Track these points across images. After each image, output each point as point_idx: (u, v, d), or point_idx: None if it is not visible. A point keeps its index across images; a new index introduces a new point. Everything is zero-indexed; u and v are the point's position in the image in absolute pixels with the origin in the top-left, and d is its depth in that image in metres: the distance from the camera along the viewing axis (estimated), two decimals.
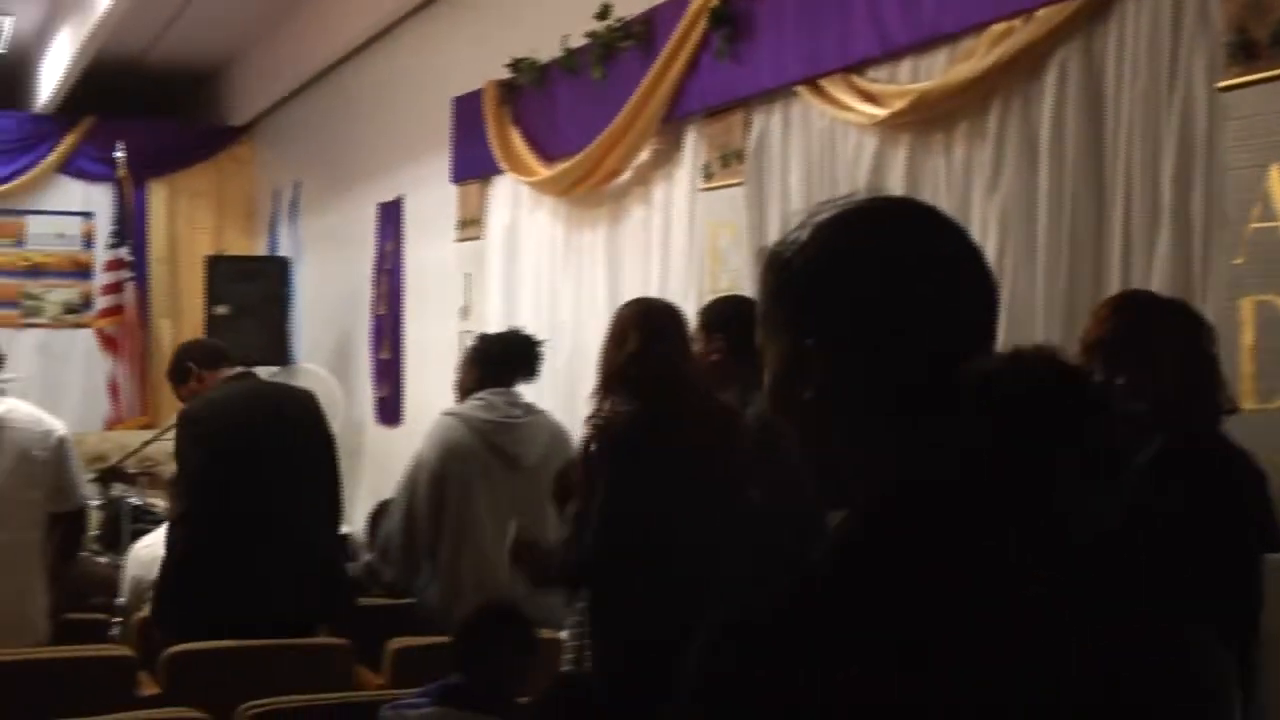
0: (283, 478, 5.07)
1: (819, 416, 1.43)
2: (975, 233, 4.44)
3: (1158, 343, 3.15)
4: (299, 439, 5.22)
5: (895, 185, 4.83)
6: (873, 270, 1.41)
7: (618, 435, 3.80)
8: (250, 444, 5.08)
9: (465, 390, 5.38)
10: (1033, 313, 4.24)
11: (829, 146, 5.19)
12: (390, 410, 9.33)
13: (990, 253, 4.41)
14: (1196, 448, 3.05)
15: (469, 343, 5.83)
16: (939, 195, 4.65)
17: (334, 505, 5.32)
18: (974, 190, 4.54)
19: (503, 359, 5.33)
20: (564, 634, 4.17)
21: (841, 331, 1.41)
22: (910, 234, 1.45)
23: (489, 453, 5.18)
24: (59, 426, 5.45)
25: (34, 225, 11.76)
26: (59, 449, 5.36)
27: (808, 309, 1.43)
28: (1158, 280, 3.80)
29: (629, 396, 3.84)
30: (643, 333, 3.91)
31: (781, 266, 1.46)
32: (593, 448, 3.85)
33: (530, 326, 6.20)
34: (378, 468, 9.37)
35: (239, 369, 5.43)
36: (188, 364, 5.41)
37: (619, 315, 4.07)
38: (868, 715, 1.26)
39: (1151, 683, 1.33)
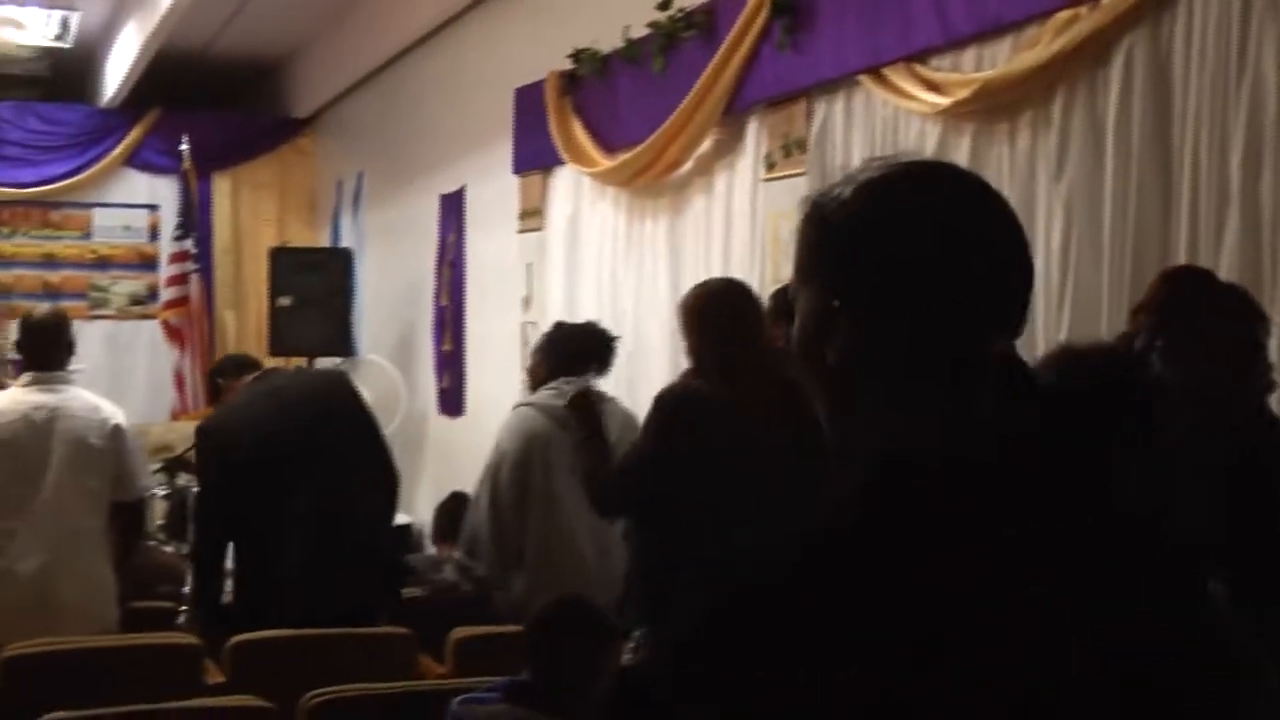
0: (307, 470, 5.01)
1: (838, 380, 1.41)
2: (1040, 222, 4.43)
3: (1207, 320, 3.13)
4: (326, 427, 5.14)
5: None
6: (906, 235, 1.38)
7: (673, 396, 3.89)
8: (268, 444, 5.03)
9: (538, 380, 5.39)
10: (1098, 302, 4.21)
11: (891, 136, 5.16)
12: (452, 401, 9.36)
13: (1055, 242, 4.38)
14: (1233, 430, 3.03)
15: (539, 334, 5.86)
16: (1003, 184, 4.62)
17: (377, 489, 5.24)
18: (1038, 179, 4.51)
19: (576, 351, 5.34)
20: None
21: (868, 295, 1.38)
22: (950, 202, 1.41)
23: (568, 442, 5.17)
24: (117, 415, 5.49)
25: (100, 218, 11.87)
26: (116, 437, 5.40)
27: (838, 268, 1.41)
28: (1225, 268, 3.76)
29: (699, 373, 3.93)
30: (724, 311, 3.99)
31: (819, 221, 1.43)
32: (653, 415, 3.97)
33: (591, 317, 6.22)
34: (440, 459, 9.41)
35: (261, 370, 5.48)
36: (216, 380, 5.57)
37: (697, 293, 4.12)
38: (869, 698, 1.24)
39: (1177, 669, 1.31)
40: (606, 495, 4.19)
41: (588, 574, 5.08)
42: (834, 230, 1.41)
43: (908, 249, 1.37)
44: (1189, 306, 3.16)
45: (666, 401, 4.01)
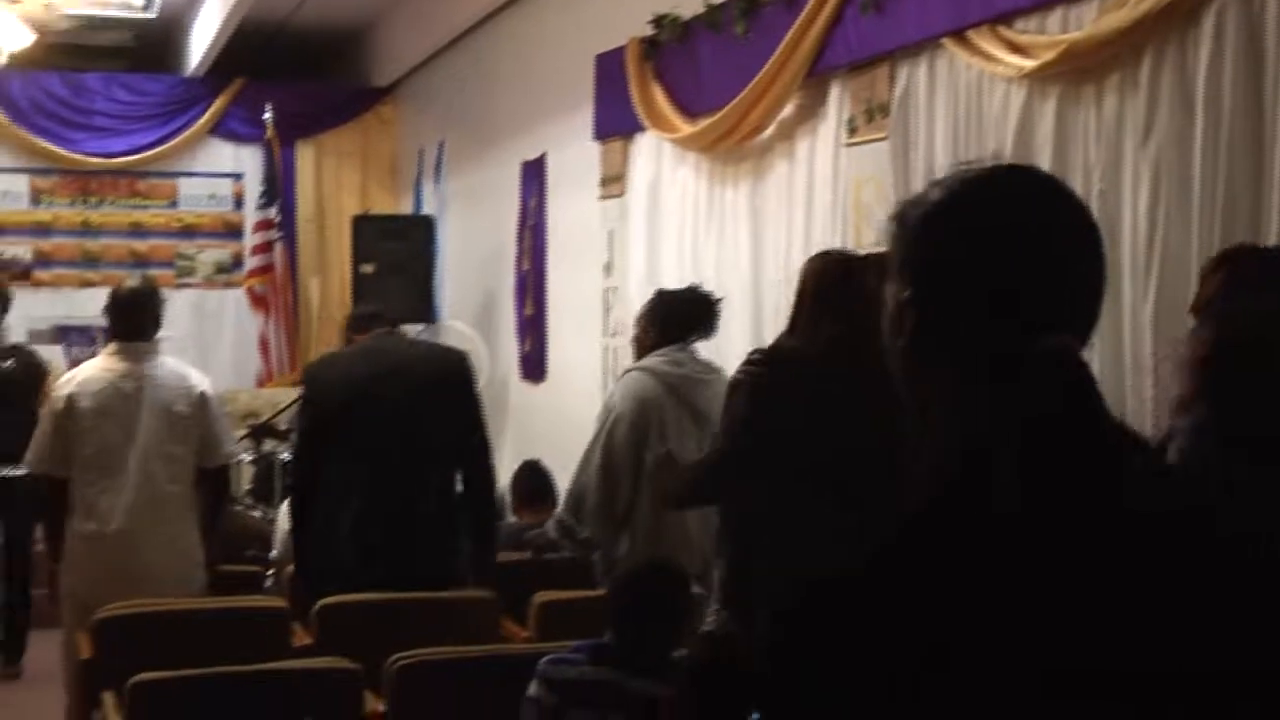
0: (383, 432, 5.03)
1: (909, 368, 1.49)
2: (1126, 187, 4.38)
3: (1266, 298, 3.07)
4: (419, 396, 5.13)
5: (1044, 139, 4.75)
6: (969, 235, 1.43)
7: (766, 362, 3.88)
8: (353, 400, 5.06)
9: (644, 347, 5.39)
10: (1186, 269, 4.15)
11: (975, 99, 5.11)
12: (534, 367, 9.40)
13: (1141, 208, 4.32)
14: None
15: (620, 300, 5.86)
16: (1089, 148, 4.57)
17: (472, 474, 5.27)
18: (1125, 143, 4.45)
19: (682, 317, 5.33)
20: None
21: (933, 290, 1.45)
22: (1020, 205, 1.45)
23: (678, 407, 5.17)
24: (203, 382, 5.57)
25: (186, 187, 12.00)
26: (202, 404, 5.48)
27: (908, 263, 1.48)
28: None
29: (806, 331, 3.93)
30: (820, 283, 3.97)
31: (900, 218, 1.50)
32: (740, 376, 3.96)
33: (672, 283, 6.21)
34: (521, 425, 9.46)
35: (383, 329, 5.48)
36: (348, 334, 5.60)
37: (814, 261, 4.16)
38: (941, 683, 1.28)
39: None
40: (704, 480, 4.17)
41: (692, 541, 5.09)
42: (908, 227, 1.48)
43: (969, 248, 1.43)
44: (1244, 290, 3.09)
45: (760, 380, 3.97)
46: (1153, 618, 1.30)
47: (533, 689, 3.75)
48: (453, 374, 5.29)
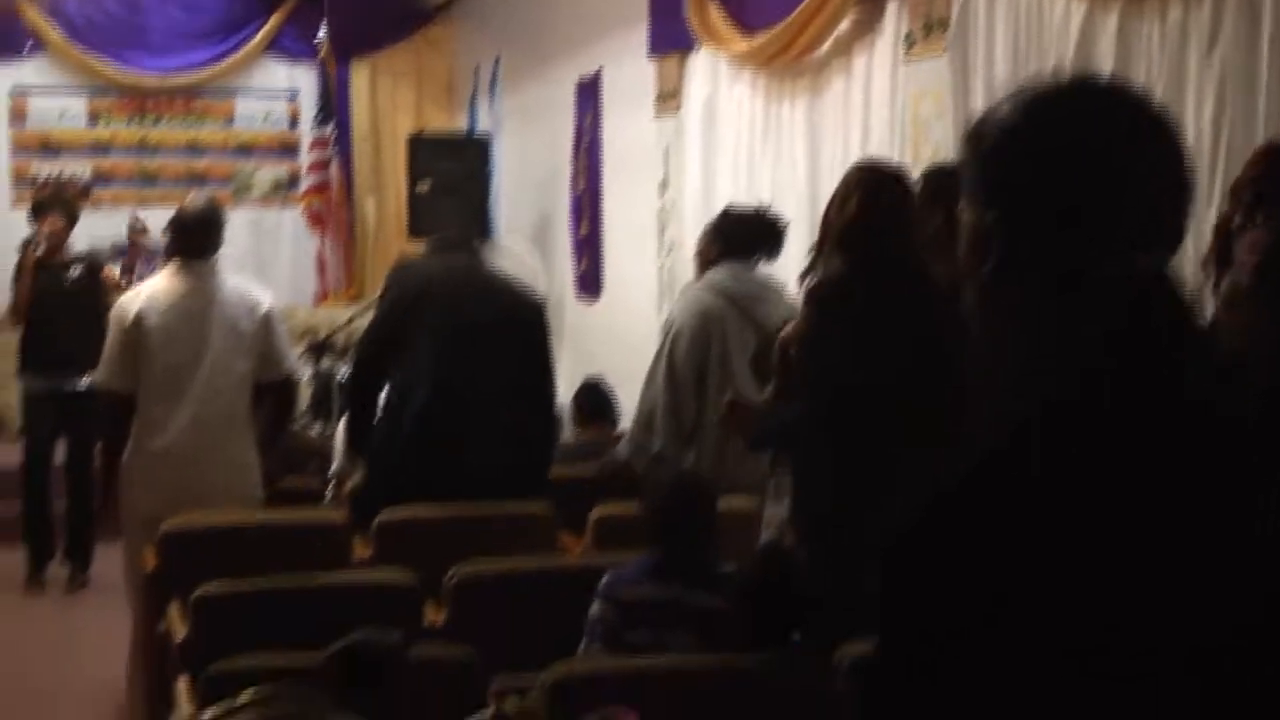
0: (473, 354, 5.08)
1: (996, 292, 1.45)
2: (1189, 102, 4.32)
3: None
4: (503, 315, 5.21)
5: (1105, 52, 4.68)
6: (1063, 152, 1.40)
7: (827, 301, 3.80)
8: (430, 308, 5.11)
9: (706, 262, 5.37)
10: None
11: (1036, 12, 5.04)
12: (590, 286, 9.40)
13: (1205, 122, 4.26)
14: None
15: (676, 218, 5.83)
16: (1151, 62, 4.50)
17: (535, 404, 5.30)
18: (1189, 57, 4.38)
19: (746, 235, 5.31)
20: (767, 507, 4.19)
21: (1023, 209, 1.41)
22: (1110, 121, 1.42)
23: (741, 321, 5.16)
24: (266, 299, 5.62)
25: (242, 105, 12.03)
26: (266, 320, 5.53)
27: (993, 182, 1.44)
28: None
29: (844, 262, 3.82)
30: (865, 197, 3.87)
31: (977, 137, 1.47)
32: (803, 313, 3.87)
33: (728, 200, 6.19)
34: (577, 344, 9.47)
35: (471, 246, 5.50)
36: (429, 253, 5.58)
37: (846, 176, 4.02)
38: (1040, 600, 1.29)
39: None
40: (787, 433, 4.14)
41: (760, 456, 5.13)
42: (987, 146, 1.45)
43: (1047, 167, 1.40)
44: None
45: (816, 312, 3.90)
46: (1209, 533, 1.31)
47: (595, 609, 3.83)
48: (529, 315, 5.36)
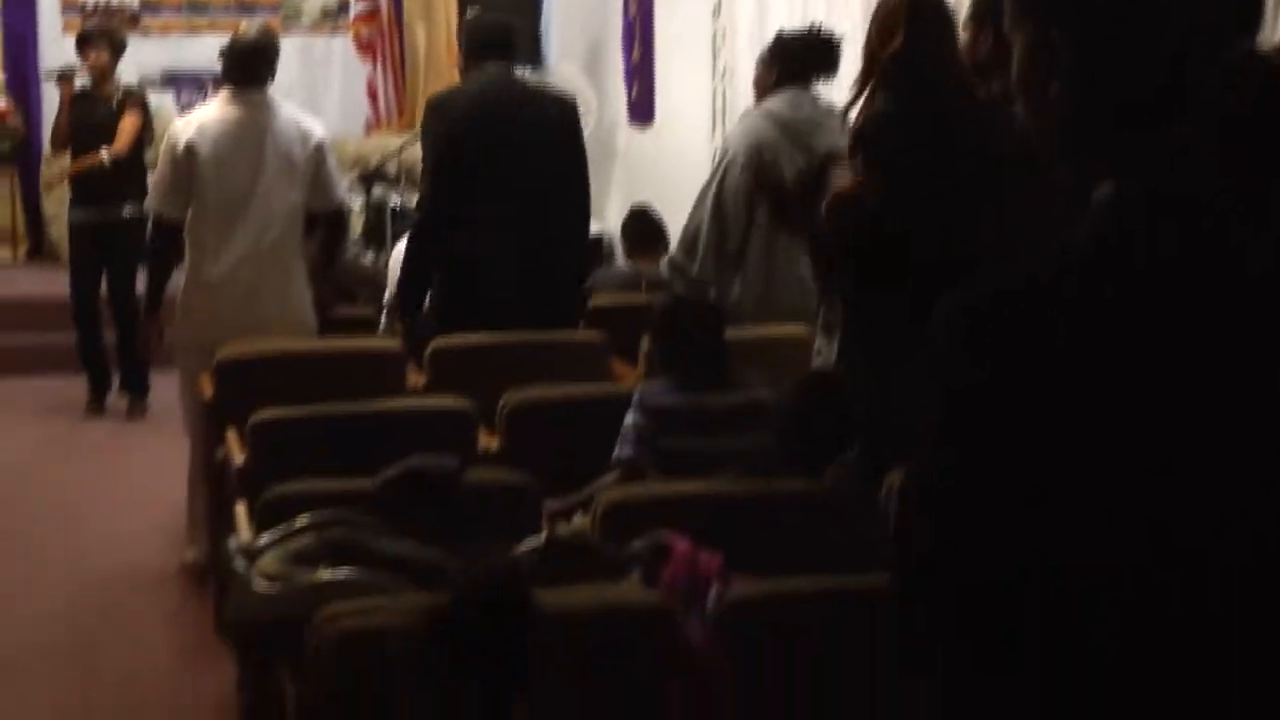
0: (518, 173, 5.04)
1: (1063, 112, 1.38)
2: None
3: None
4: (542, 136, 5.16)
5: None
6: None
7: (877, 137, 3.73)
8: (475, 134, 5.05)
9: (763, 89, 5.30)
10: None
11: None
12: (642, 111, 9.33)
13: None
14: None
15: (729, 41, 5.75)
16: None
17: (577, 210, 5.29)
18: None
19: (801, 59, 5.23)
20: (817, 337, 4.19)
21: (1089, 20, 1.34)
22: None
23: (793, 150, 5.10)
24: (318, 129, 5.59)
25: None
26: (318, 151, 5.51)
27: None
28: None
29: (892, 95, 3.74)
30: (909, 26, 3.77)
31: None
32: (851, 152, 3.81)
33: (782, 24, 6.09)
34: (629, 170, 9.44)
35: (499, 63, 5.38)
36: (465, 55, 5.38)
37: (884, 5, 3.91)
38: (1095, 396, 1.28)
39: None
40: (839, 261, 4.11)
41: (805, 281, 5.12)
42: None
43: None
44: None
45: (865, 149, 3.82)
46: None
47: (628, 419, 3.97)
48: (566, 119, 5.30)
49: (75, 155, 7.74)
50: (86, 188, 7.66)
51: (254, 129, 5.41)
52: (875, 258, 3.69)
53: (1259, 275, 1.30)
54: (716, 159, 5.33)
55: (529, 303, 5.04)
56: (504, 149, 5.05)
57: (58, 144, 8.01)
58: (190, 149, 5.37)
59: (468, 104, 5.16)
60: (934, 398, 1.36)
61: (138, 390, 7.92)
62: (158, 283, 5.64)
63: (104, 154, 7.48)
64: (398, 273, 5.64)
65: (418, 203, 5.63)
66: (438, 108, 5.25)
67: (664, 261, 5.62)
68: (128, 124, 7.58)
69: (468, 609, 2.59)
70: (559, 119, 5.29)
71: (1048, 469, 1.28)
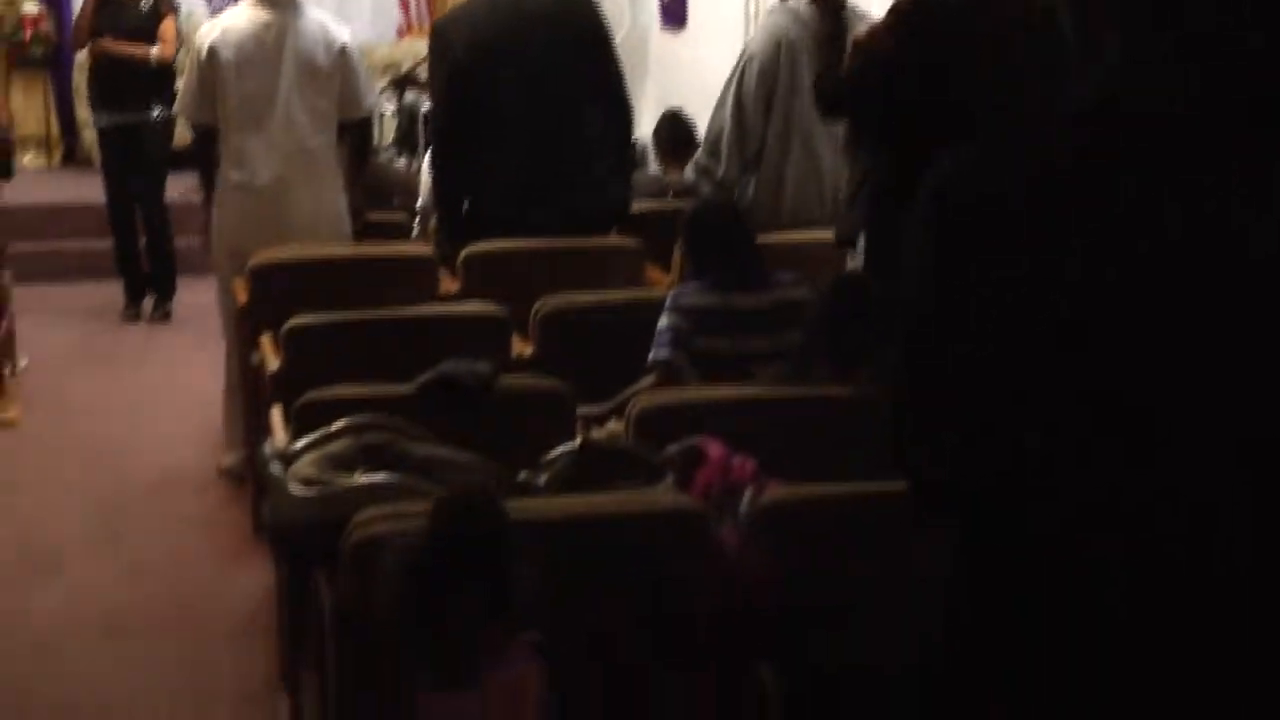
0: (539, 84, 4.97)
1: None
2: None
3: None
4: (552, 41, 5.04)
5: None
6: None
7: (904, 21, 3.77)
8: (485, 47, 4.97)
9: None
10: None
11: None
12: (675, 14, 9.23)
13: None
14: None
15: None
16: None
17: (611, 113, 5.21)
18: None
19: None
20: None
21: None
22: None
23: (816, 49, 5.07)
24: (343, 34, 5.54)
25: None
26: (343, 57, 5.47)
27: None
28: None
29: None
30: None
31: None
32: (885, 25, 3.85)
33: None
34: (662, 75, 9.35)
35: None
36: None
37: None
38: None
39: None
40: (834, 91, 4.14)
41: (823, 178, 5.10)
42: None
43: None
44: None
45: (898, 29, 3.84)
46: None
47: (663, 320, 4.00)
48: (586, 28, 5.19)
49: (100, 60, 7.65)
50: (114, 90, 7.63)
51: (276, 33, 5.38)
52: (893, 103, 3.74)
53: (1261, 258, 1.30)
54: (740, 58, 5.29)
55: (557, 217, 4.99)
56: (514, 78, 4.94)
57: (78, 43, 7.99)
58: (213, 53, 5.35)
59: (471, 31, 5.02)
60: (910, 276, 1.44)
61: (164, 293, 7.97)
62: (208, 186, 5.64)
63: (152, 52, 7.48)
64: (429, 179, 5.62)
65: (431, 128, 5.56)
66: (442, 33, 5.16)
67: (689, 165, 5.60)
68: (169, 28, 7.57)
69: (440, 540, 2.58)
70: (578, 31, 5.14)
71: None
